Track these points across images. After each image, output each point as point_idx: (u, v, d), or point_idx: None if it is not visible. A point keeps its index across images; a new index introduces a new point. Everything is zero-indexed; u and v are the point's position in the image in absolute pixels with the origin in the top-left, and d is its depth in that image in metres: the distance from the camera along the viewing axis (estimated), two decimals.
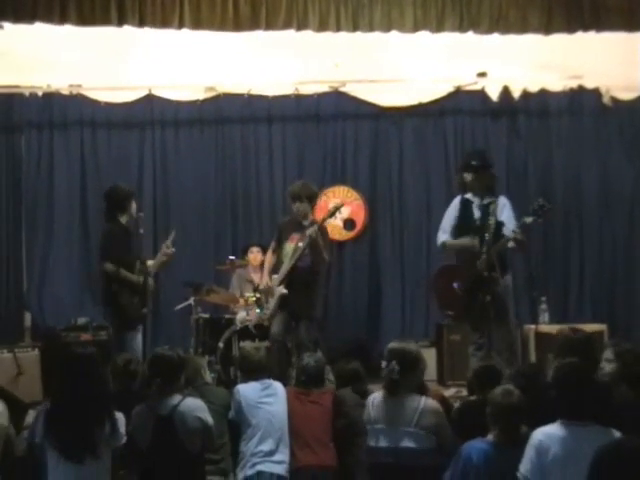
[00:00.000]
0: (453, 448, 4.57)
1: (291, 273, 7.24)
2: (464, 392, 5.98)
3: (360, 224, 9.46)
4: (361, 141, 9.53)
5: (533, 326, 8.19)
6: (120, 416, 4.45)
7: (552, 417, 4.10)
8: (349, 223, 9.42)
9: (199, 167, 9.42)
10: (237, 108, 9.41)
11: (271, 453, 5.41)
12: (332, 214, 7.47)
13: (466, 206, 7.25)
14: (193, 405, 4.89)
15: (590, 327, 8.17)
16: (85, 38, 8.64)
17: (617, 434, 3.90)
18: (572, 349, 4.88)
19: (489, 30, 8.61)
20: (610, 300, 9.43)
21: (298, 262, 7.21)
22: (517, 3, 8.63)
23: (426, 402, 4.76)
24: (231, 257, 8.56)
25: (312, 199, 7.53)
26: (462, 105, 9.53)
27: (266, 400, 5.56)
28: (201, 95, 9.37)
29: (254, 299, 7.87)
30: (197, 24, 8.28)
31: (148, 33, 8.49)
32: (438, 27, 8.54)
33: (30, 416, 5.22)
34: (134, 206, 7.33)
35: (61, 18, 8.06)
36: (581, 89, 9.52)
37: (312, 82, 9.34)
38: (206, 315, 8.20)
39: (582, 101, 9.54)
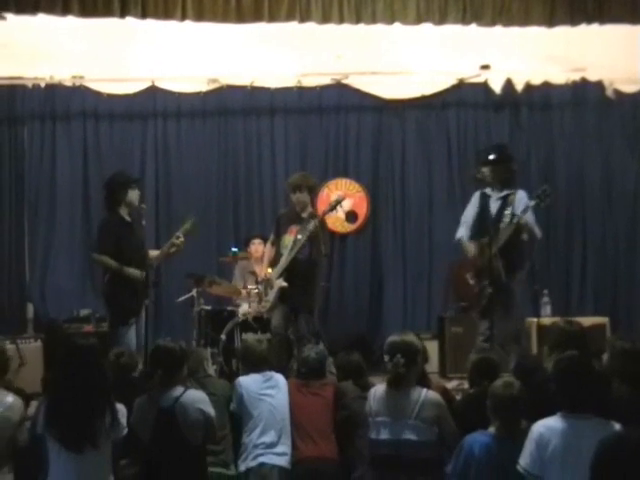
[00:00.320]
0: (455, 440, 4.58)
1: (290, 266, 7.24)
2: (466, 385, 5.98)
3: (362, 217, 9.46)
4: (363, 133, 9.53)
5: (535, 319, 8.19)
6: (121, 407, 4.46)
7: (552, 410, 4.10)
8: (351, 216, 9.42)
9: (201, 159, 9.42)
10: (240, 100, 9.41)
11: (273, 445, 5.41)
12: (333, 207, 7.46)
13: (484, 200, 7.33)
14: (195, 397, 4.89)
15: (592, 320, 8.21)
16: (88, 29, 8.65)
17: (617, 426, 3.90)
18: (566, 342, 4.89)
19: (492, 22, 8.60)
20: (612, 293, 9.43)
21: (297, 255, 7.21)
22: None
23: (427, 394, 4.76)
24: (233, 249, 8.56)
25: (312, 190, 7.53)
26: (465, 97, 9.52)
27: (268, 392, 5.56)
28: (204, 87, 9.36)
29: (256, 291, 7.86)
30: (200, 16, 8.28)
31: (151, 25, 8.49)
32: (441, 19, 8.53)
33: (32, 407, 5.22)
34: (133, 196, 7.12)
35: (63, 9, 8.06)
36: (584, 82, 9.51)
37: (315, 74, 9.33)
38: (208, 307, 8.18)
39: (585, 94, 9.53)
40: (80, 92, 9.24)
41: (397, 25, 8.54)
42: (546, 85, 9.53)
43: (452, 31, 8.80)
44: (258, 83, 9.35)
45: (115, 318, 7.02)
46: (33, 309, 9.18)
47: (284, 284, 7.22)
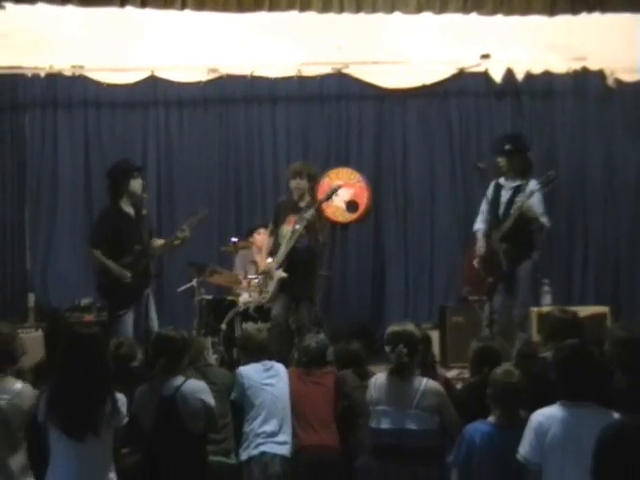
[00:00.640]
0: (457, 429, 4.59)
1: (289, 255, 7.24)
2: (467, 374, 5.99)
3: (363, 206, 9.45)
4: (364, 123, 9.52)
5: (535, 308, 8.20)
6: (121, 396, 4.47)
7: (552, 399, 4.11)
8: (351, 205, 9.42)
9: (202, 149, 9.41)
10: (240, 89, 9.40)
11: (274, 434, 5.43)
12: (329, 197, 7.48)
13: (497, 190, 7.39)
14: (195, 387, 4.90)
15: (593, 310, 8.21)
16: (87, 19, 8.64)
17: (617, 415, 3.90)
18: (561, 330, 4.91)
19: (493, 11, 8.55)
20: (614, 283, 9.43)
21: (296, 244, 7.22)
22: None
23: (427, 383, 4.78)
24: (234, 239, 8.55)
25: (312, 178, 7.53)
26: (466, 87, 9.51)
27: (269, 381, 5.57)
28: (204, 76, 9.35)
29: (256, 282, 7.87)
30: (200, 5, 8.22)
31: (151, 14, 8.44)
32: (441, 8, 8.47)
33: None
34: (136, 185, 7.12)
35: None
36: (585, 71, 9.49)
37: (315, 64, 9.31)
38: (209, 296, 8.19)
39: (586, 83, 9.52)
40: (80, 82, 9.23)
41: (397, 14, 8.48)
42: (547, 74, 9.51)
43: (452, 20, 8.76)
44: (258, 73, 9.34)
45: (110, 308, 7.09)
46: (34, 298, 9.19)
47: (284, 275, 7.23)
